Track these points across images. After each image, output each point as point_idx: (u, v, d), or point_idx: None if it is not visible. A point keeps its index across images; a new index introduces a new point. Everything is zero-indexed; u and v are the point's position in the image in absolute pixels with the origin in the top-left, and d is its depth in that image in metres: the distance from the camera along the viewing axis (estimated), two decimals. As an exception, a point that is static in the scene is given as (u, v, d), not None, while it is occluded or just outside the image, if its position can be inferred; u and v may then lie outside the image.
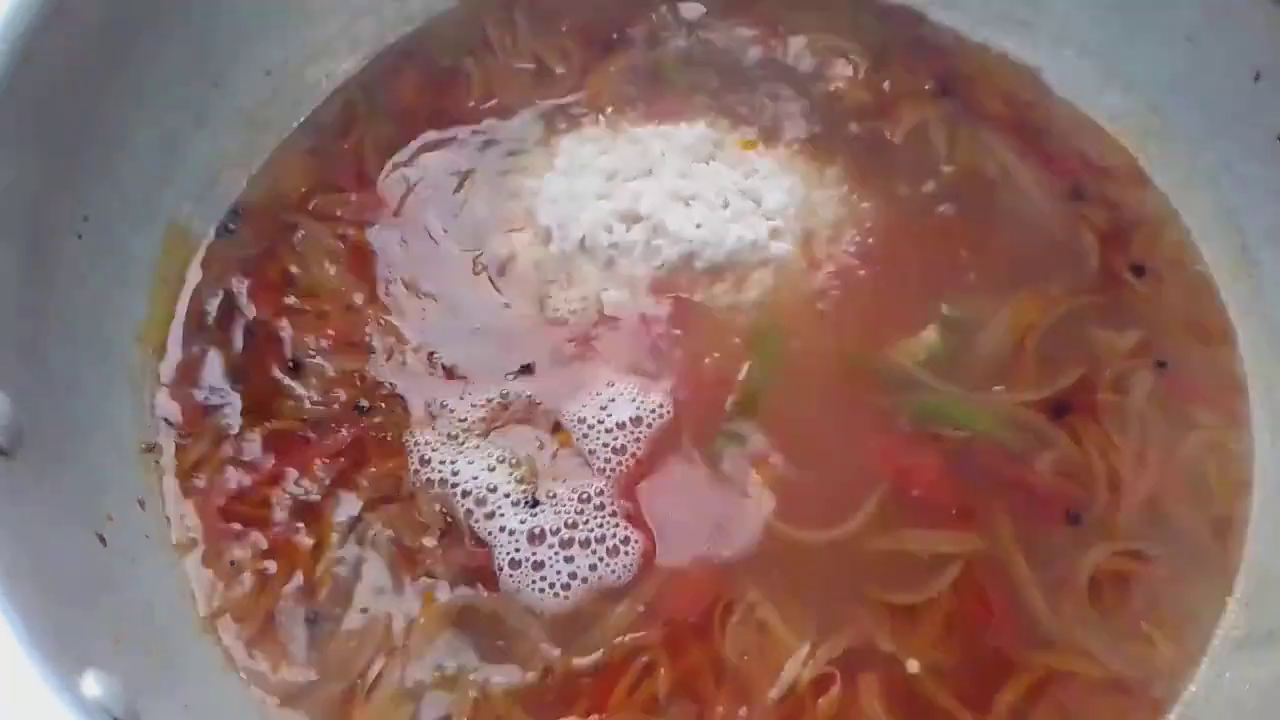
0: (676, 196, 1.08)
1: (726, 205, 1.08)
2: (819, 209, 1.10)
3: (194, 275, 1.08)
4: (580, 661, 0.89)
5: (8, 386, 0.82)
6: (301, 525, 0.95)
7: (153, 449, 0.99)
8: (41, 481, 0.84)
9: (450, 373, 1.01)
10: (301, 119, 1.18)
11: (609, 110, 1.16)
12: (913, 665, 0.89)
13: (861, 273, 1.07)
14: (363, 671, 0.90)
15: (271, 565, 0.94)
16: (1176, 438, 1.00)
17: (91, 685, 0.71)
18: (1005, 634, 0.91)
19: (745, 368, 1.01)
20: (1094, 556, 0.94)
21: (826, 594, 0.92)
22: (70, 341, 0.94)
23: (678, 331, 1.03)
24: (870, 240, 1.09)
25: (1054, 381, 1.01)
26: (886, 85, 1.19)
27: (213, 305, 1.06)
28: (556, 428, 0.98)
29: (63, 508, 0.86)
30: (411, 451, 0.97)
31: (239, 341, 1.04)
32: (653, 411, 0.98)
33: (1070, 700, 0.90)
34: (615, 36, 1.22)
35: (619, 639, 0.89)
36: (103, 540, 0.88)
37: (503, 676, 0.89)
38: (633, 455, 0.96)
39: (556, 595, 0.90)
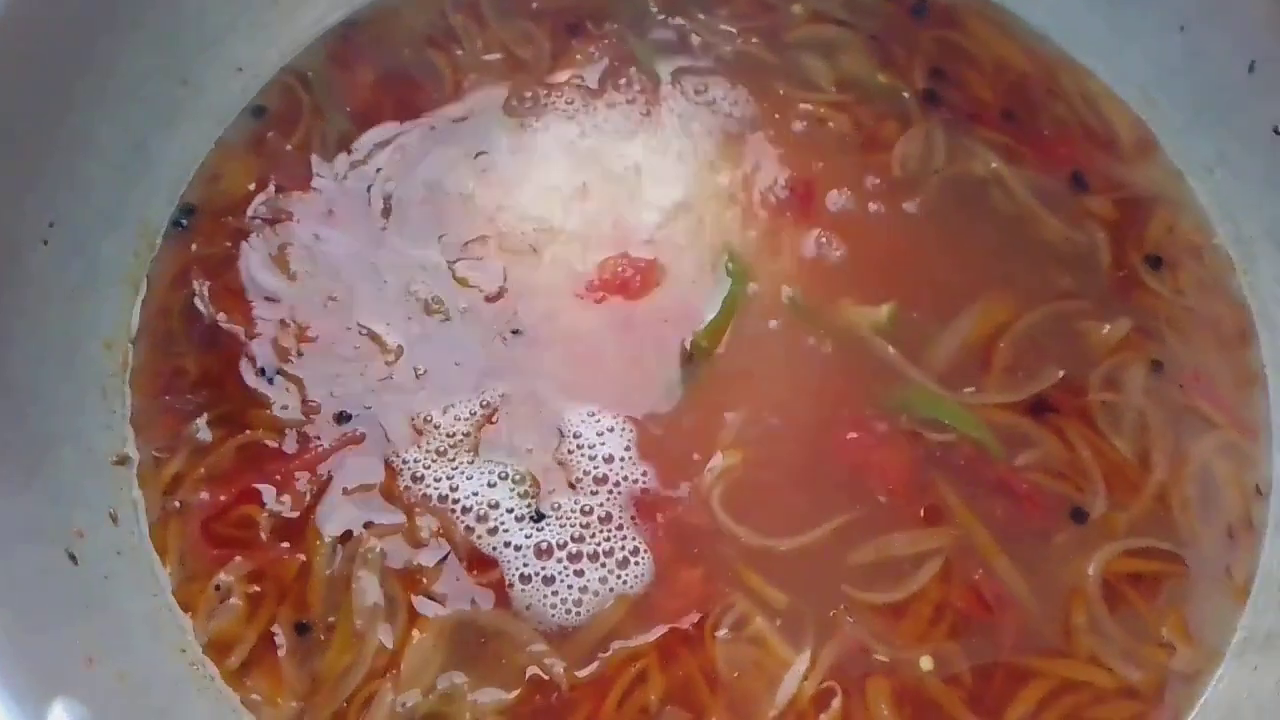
0: (648, 178, 1.08)
1: (697, 189, 1.08)
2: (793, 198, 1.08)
3: (155, 276, 1.04)
4: (580, 673, 0.88)
5: (-30, 403, 0.81)
6: (287, 544, 0.93)
7: (124, 461, 0.96)
8: (8, 499, 0.83)
9: (425, 379, 0.98)
10: (253, 106, 1.13)
11: (579, 99, 1.13)
12: (926, 663, 0.89)
13: (835, 253, 1.05)
14: (354, 694, 0.88)
15: (258, 587, 0.91)
16: (1188, 439, 0.99)
17: (60, 716, 0.70)
18: (1012, 636, 0.90)
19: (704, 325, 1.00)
20: (1103, 558, 0.93)
21: (808, 601, 0.91)
22: (37, 351, 0.92)
23: (646, 311, 1.02)
24: (845, 236, 1.05)
25: (1030, 384, 0.99)
26: (872, 103, 1.13)
27: (175, 309, 1.02)
28: (559, 435, 0.96)
29: (31, 525, 0.85)
30: (401, 470, 0.94)
31: (206, 348, 1.00)
32: (623, 426, 0.97)
33: (1082, 707, 0.89)
34: (585, 22, 1.18)
35: (615, 647, 0.88)
36: (73, 558, 0.86)
37: (498, 693, 0.88)
38: (622, 478, 0.94)
39: (569, 611, 0.89)
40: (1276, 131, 1.03)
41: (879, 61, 1.15)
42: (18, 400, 0.89)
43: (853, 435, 0.97)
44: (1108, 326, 1.02)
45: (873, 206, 1.07)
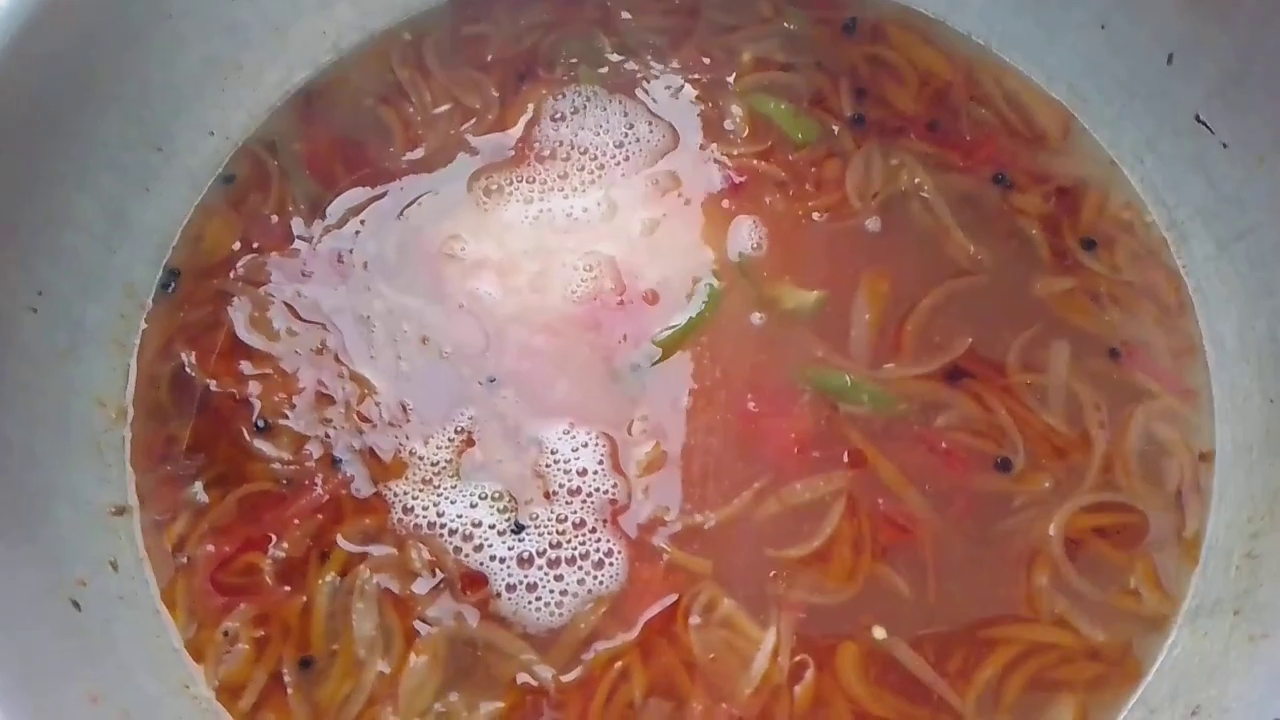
0: (611, 213, 1.12)
1: (652, 230, 1.11)
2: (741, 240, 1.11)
3: (145, 340, 1.08)
4: (567, 678, 0.92)
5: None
6: (289, 586, 0.96)
7: (122, 511, 0.99)
8: (11, 552, 0.86)
9: (409, 415, 1.02)
10: (224, 174, 1.17)
11: (534, 145, 1.16)
12: (879, 632, 0.93)
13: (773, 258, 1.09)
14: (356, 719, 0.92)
15: (263, 631, 0.95)
16: (1126, 408, 1.03)
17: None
18: (930, 546, 0.95)
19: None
20: (1063, 517, 0.97)
21: (746, 573, 0.95)
22: (32, 413, 0.96)
23: (613, 334, 1.05)
24: (787, 248, 1.10)
25: (943, 355, 1.03)
26: (810, 147, 1.15)
27: (164, 380, 1.06)
28: (535, 451, 1.00)
29: (34, 575, 0.89)
30: (393, 503, 0.98)
31: (200, 411, 1.04)
32: (597, 440, 1.01)
33: (1048, 668, 0.93)
34: (536, 68, 1.21)
35: (598, 649, 0.92)
36: (76, 605, 0.89)
37: (491, 704, 0.91)
38: (595, 488, 0.98)
39: (552, 614, 0.93)
40: (1198, 119, 1.08)
41: (810, 100, 1.18)
42: (15, 460, 0.92)
43: (772, 409, 1.01)
44: (1034, 296, 1.06)
45: (819, 230, 1.10)
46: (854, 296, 1.07)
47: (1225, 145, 1.06)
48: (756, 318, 1.06)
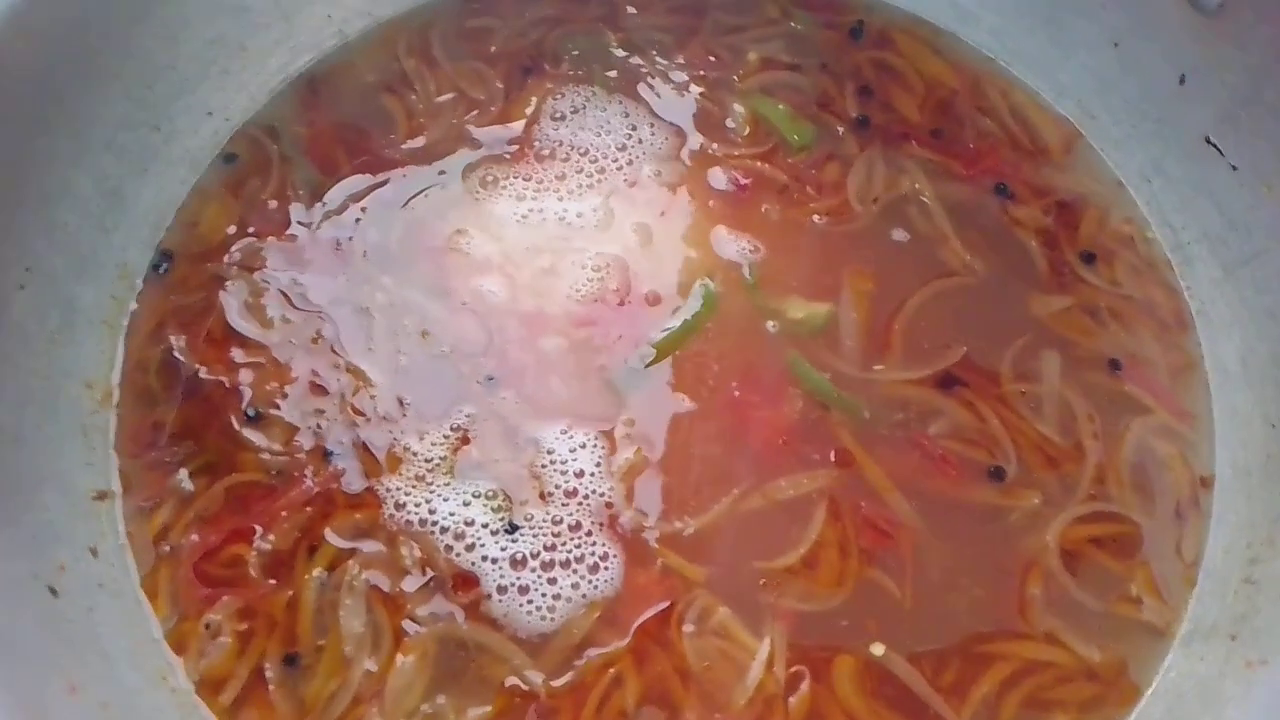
0: (608, 219, 1.10)
1: (653, 232, 1.10)
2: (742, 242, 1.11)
3: (135, 322, 1.06)
4: (558, 683, 0.90)
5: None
6: (275, 580, 0.94)
7: (104, 496, 0.98)
8: (-5, 541, 0.84)
9: (405, 410, 1.01)
10: (224, 154, 1.16)
11: (534, 144, 1.15)
12: (877, 649, 0.92)
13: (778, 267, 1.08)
14: (341, 718, 0.90)
15: (247, 625, 0.93)
16: (1121, 421, 1.02)
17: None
18: (910, 552, 0.95)
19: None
20: (1058, 527, 0.97)
21: (741, 581, 0.94)
22: (19, 394, 0.94)
23: (611, 334, 1.04)
24: (789, 250, 1.09)
25: (936, 361, 1.03)
26: (810, 150, 1.15)
27: (153, 365, 1.04)
28: (532, 451, 0.98)
29: (11, 564, 0.86)
30: (385, 499, 0.97)
31: (189, 397, 1.02)
32: (595, 441, 1.00)
33: (1045, 688, 0.92)
34: (542, 63, 1.20)
35: (590, 654, 0.91)
36: (54, 592, 0.88)
37: (479, 708, 0.90)
38: (591, 490, 0.97)
39: (544, 618, 0.92)
40: (1208, 141, 1.08)
41: (816, 102, 1.18)
42: (3, 442, 0.90)
43: (763, 408, 1.00)
44: (1031, 314, 1.06)
45: (820, 234, 1.10)
46: (841, 297, 1.06)
47: (1235, 169, 1.06)
48: (761, 323, 1.05)
